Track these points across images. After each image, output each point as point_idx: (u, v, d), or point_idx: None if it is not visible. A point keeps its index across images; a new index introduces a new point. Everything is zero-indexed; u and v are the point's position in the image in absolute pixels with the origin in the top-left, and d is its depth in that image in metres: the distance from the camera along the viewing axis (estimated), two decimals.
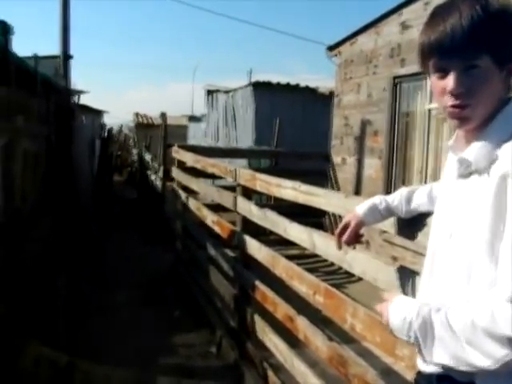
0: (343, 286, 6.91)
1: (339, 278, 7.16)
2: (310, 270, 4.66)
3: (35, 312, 5.84)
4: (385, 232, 2.38)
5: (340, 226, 2.07)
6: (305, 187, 3.34)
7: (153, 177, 15.75)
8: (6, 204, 5.85)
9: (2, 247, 5.53)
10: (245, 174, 4.68)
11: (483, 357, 1.22)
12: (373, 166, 7.69)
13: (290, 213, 4.10)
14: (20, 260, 6.13)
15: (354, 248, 2.21)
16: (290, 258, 4.62)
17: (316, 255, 3.21)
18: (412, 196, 1.97)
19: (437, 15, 1.43)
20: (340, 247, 2.11)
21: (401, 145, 7.10)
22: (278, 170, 9.82)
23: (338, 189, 8.54)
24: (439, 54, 1.41)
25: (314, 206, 3.16)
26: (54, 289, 6.79)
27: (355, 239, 2.07)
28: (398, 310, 1.46)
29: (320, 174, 9.15)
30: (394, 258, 6.24)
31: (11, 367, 4.56)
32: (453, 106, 1.42)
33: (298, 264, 3.66)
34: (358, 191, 7.91)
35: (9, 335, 5.00)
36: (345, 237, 2.05)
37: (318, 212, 4.59)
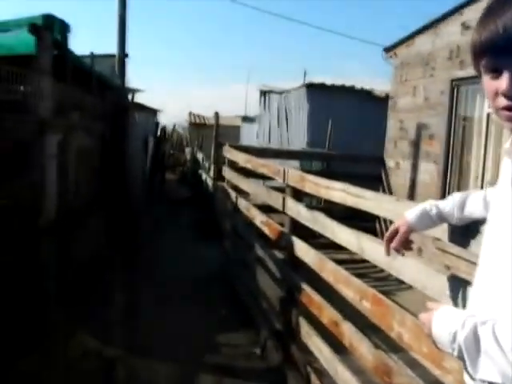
0: (393, 293, 6.76)
1: (390, 284, 7.01)
2: (360, 276, 4.59)
3: (85, 305, 5.96)
4: (438, 239, 2.29)
5: (389, 231, 2.00)
6: (354, 189, 3.26)
7: (204, 176, 15.90)
8: (59, 200, 5.98)
9: (53, 244, 5.66)
10: (294, 175, 4.64)
11: None
12: (428, 171, 7.50)
13: (341, 216, 4.04)
14: (72, 255, 6.27)
15: (403, 255, 2.14)
16: (339, 262, 4.56)
17: (367, 261, 3.14)
18: (465, 202, 1.88)
19: (490, 12, 1.35)
20: (388, 253, 2.04)
21: (458, 150, 6.89)
22: (330, 172, 9.71)
23: (391, 193, 8.38)
24: (491, 53, 1.34)
25: (363, 210, 3.09)
26: (104, 284, 6.91)
27: (404, 246, 2.00)
28: (443, 321, 1.39)
29: (373, 178, 9.00)
30: (447, 267, 6.06)
31: (60, 358, 4.66)
32: (506, 108, 1.34)
33: (348, 269, 3.60)
34: (411, 196, 7.73)
35: (60, 328, 5.12)
36: (394, 243, 1.98)
37: (371, 216, 4.52)
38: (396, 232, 1.97)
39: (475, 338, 1.26)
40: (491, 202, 1.64)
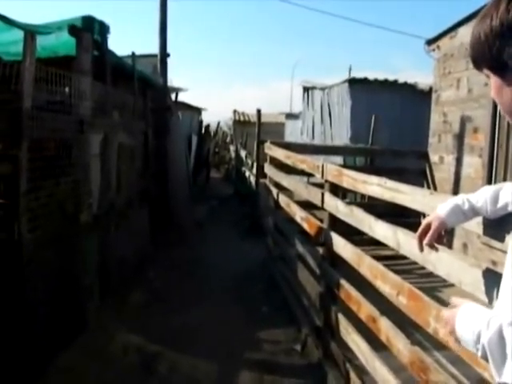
0: (438, 289, 6.63)
1: (435, 281, 6.87)
2: (404, 272, 4.53)
3: (126, 302, 6.06)
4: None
5: (421, 226, 1.97)
6: (391, 184, 3.23)
7: (247, 173, 15.96)
8: (101, 196, 6.09)
9: (95, 238, 5.77)
10: (332, 170, 4.61)
11: None
12: (472, 165, 7.32)
13: (386, 213, 4.00)
14: (113, 250, 6.38)
15: (437, 250, 2.09)
16: (383, 258, 4.52)
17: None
18: (498, 195, 1.81)
19: (480, 13, 1.39)
20: (421, 249, 2.00)
21: (503, 142, 6.69)
22: (373, 168, 9.60)
23: (435, 188, 8.22)
24: (474, 63, 1.43)
25: (400, 204, 3.05)
26: (144, 280, 7.02)
27: (437, 241, 1.96)
28: (466, 319, 1.34)
29: (417, 173, 8.85)
30: (494, 263, 5.92)
31: (100, 353, 4.75)
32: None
33: (392, 265, 3.55)
34: (455, 191, 7.56)
35: (101, 323, 5.22)
36: (426, 238, 1.94)
37: (414, 213, 4.47)
38: (428, 227, 1.93)
39: (500, 340, 1.19)
40: None
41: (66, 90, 5.03)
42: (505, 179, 6.62)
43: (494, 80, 1.37)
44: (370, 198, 4.95)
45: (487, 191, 1.84)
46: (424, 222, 1.96)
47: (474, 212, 1.88)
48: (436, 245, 1.99)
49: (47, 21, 5.80)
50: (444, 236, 1.96)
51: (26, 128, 4.15)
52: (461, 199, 1.89)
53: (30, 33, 4.30)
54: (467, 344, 1.32)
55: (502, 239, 1.92)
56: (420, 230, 1.96)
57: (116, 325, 5.42)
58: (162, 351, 5.03)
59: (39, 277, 4.38)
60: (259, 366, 4.93)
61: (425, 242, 1.94)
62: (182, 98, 18.15)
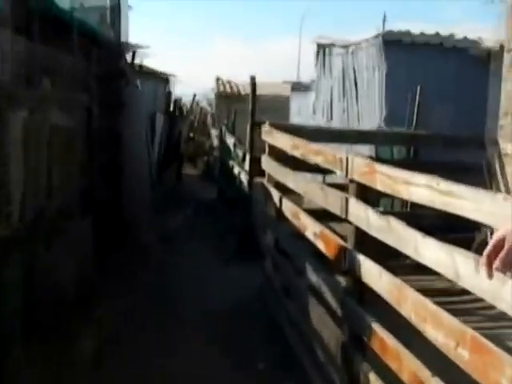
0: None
1: (508, 325, 6.85)
2: (464, 313, 4.52)
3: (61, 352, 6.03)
4: None
5: (491, 242, 1.93)
6: (445, 185, 3.22)
7: (237, 169, 15.91)
8: (25, 202, 6.04)
9: (18, 260, 5.72)
10: (360, 165, 4.61)
11: None
12: None
13: (435, 226, 4.00)
14: (42, 279, 6.33)
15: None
16: (434, 293, 4.50)
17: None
18: None
19: None
20: (490, 275, 1.97)
21: None
22: (419, 163, 9.61)
23: (508, 189, 8.23)
24: None
25: (458, 214, 3.05)
26: (89, 321, 6.99)
27: None
28: None
29: (481, 169, 8.84)
30: None
31: None
32: None
33: (446, 303, 3.55)
34: None
35: None
36: (498, 260, 1.91)
37: (471, 226, 4.44)
38: (502, 244, 1.90)
39: None
40: None
41: None
42: None
43: None
44: (415, 205, 4.95)
45: None
46: (495, 236, 1.93)
47: None
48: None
49: None
50: None
51: None
52: None
53: None
54: None
55: None
56: (488, 247, 1.92)
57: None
58: None
59: None
60: None
61: (495, 265, 1.91)
62: (143, 60, 18.10)
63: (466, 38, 13.35)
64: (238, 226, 12.19)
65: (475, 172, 8.61)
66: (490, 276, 1.96)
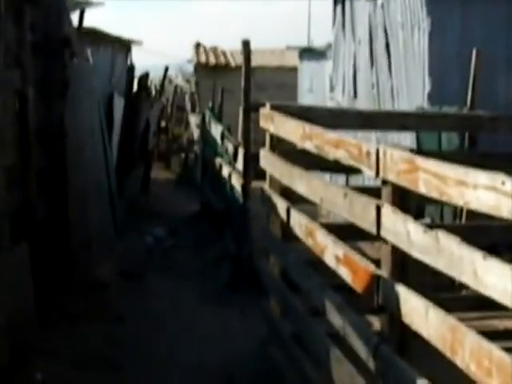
0: None
1: None
2: None
3: None
4: None
5: None
6: None
7: (225, 170, 15.91)
8: None
9: None
10: (396, 161, 4.61)
11: None
12: None
13: (500, 243, 4.02)
14: None
15: None
16: (500, 336, 4.54)
17: None
18: None
19: None
20: None
21: None
22: (478, 155, 9.65)
23: None
24: None
25: None
26: None
27: None
28: None
29: None
30: None
31: None
32: None
33: None
34: None
35: None
36: None
37: None
38: None
39: None
40: None
41: None
42: None
43: None
44: (473, 214, 4.96)
45: None
46: None
47: None
48: None
49: None
50: None
51: None
52: None
53: None
54: None
55: None
56: None
57: None
58: None
59: None
60: None
61: None
62: (95, 21, 18.07)
63: None
64: (231, 251, 12.22)
65: None
66: None
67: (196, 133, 22.98)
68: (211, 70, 30.00)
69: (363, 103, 16.06)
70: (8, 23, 8.24)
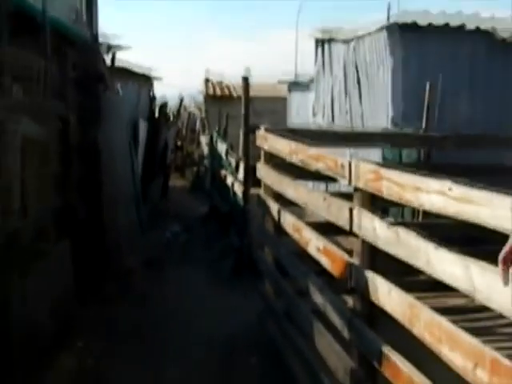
0: None
1: None
2: (483, 332, 4.55)
3: None
4: None
5: (506, 247, 1.98)
6: (459, 190, 3.24)
7: (229, 179, 15.93)
8: None
9: None
10: (365, 171, 4.63)
11: None
12: None
13: (453, 238, 4.03)
14: (15, 312, 6.34)
15: None
16: (449, 311, 4.53)
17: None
18: None
19: None
20: (506, 281, 2.01)
21: None
22: (431, 166, 9.64)
23: None
24: None
25: (475, 222, 3.08)
26: (68, 357, 7.00)
27: None
28: None
29: (505, 171, 8.86)
30: None
31: None
32: None
33: (463, 321, 3.57)
34: None
35: None
36: None
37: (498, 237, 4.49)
38: None
39: None
40: None
41: None
42: None
43: None
44: (427, 214, 4.97)
45: None
46: (510, 240, 1.96)
47: None
48: None
49: None
50: None
51: None
52: None
53: None
54: None
55: None
56: (503, 251, 1.95)
57: None
58: None
59: None
60: None
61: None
62: (124, 61, 18.07)
63: (478, 27, 13.23)
64: (234, 244, 12.21)
65: (501, 174, 8.64)
66: (506, 282, 2.01)
67: (205, 150, 22.94)
68: (217, 100, 29.93)
69: (339, 125, 16.06)
70: (54, 63, 8.24)
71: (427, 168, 8.50)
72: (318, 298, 5.86)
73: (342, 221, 5.03)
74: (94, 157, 9.85)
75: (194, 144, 28.67)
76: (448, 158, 10.12)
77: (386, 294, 4.25)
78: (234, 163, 16.18)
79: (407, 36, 13.16)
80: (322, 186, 10.08)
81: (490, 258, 2.88)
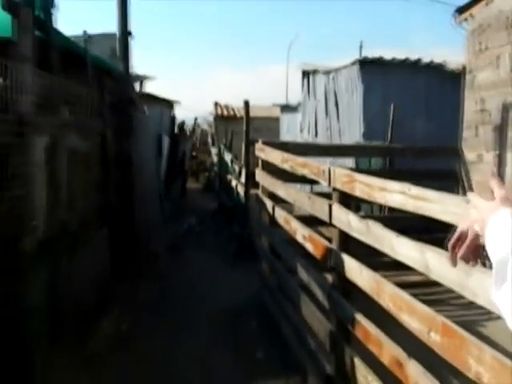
0: (480, 323, 6.64)
1: (476, 313, 6.86)
2: (436, 302, 4.53)
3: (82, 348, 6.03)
4: None
5: (455, 235, 1.94)
6: (416, 191, 3.25)
7: (234, 182, 15.96)
8: (49, 217, 6.06)
9: (43, 270, 5.74)
10: (341, 176, 4.64)
11: None
12: None
13: (411, 228, 4.03)
14: (64, 286, 6.34)
15: (474, 265, 2.08)
16: (409, 286, 4.52)
17: None
18: None
19: None
20: (454, 263, 1.98)
21: None
22: (394, 171, 9.67)
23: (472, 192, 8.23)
24: None
25: (428, 216, 3.07)
26: (106, 322, 6.99)
27: (475, 254, 1.93)
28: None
29: (450, 176, 8.87)
30: None
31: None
32: None
33: (420, 294, 3.56)
34: None
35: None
36: (461, 250, 1.91)
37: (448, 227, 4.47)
38: (465, 237, 1.91)
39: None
40: None
41: (0, 81, 5.02)
42: None
43: None
44: (391, 209, 4.97)
45: None
46: (460, 227, 1.92)
47: None
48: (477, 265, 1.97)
49: None
50: (483, 248, 1.94)
51: None
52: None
53: None
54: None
55: None
56: (453, 239, 1.92)
57: (71, 379, 5.40)
58: None
59: None
60: None
61: (459, 254, 1.90)
62: (150, 88, 18.18)
63: (431, 62, 13.45)
64: (237, 233, 12.20)
65: (447, 178, 8.66)
66: (455, 264, 1.98)
67: (215, 159, 22.96)
68: (224, 120, 29.91)
69: (322, 139, 16.07)
70: (95, 90, 8.24)
71: (391, 173, 8.56)
72: (304, 276, 5.85)
73: (323, 215, 5.01)
74: (126, 164, 9.84)
75: (206, 154, 28.66)
76: (407, 165, 10.15)
77: (358, 272, 4.24)
78: (237, 169, 16.25)
79: (375, 68, 13.23)
80: (307, 187, 10.06)
81: (441, 244, 2.87)
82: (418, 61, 13.39)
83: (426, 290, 5.72)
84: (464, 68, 9.18)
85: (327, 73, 16.09)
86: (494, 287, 1.42)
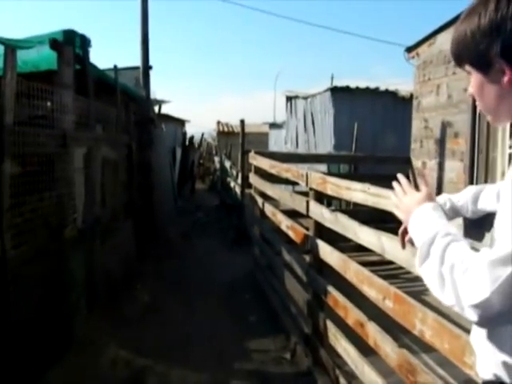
0: (423, 293, 6.66)
1: (420, 285, 6.90)
2: (390, 277, 4.55)
3: (112, 315, 6.03)
4: None
5: (404, 223, 1.98)
6: (374, 189, 3.27)
7: (232, 183, 15.98)
8: (86, 211, 6.07)
9: (82, 252, 5.76)
10: (316, 178, 4.64)
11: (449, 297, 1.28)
12: (454, 169, 7.41)
13: (370, 219, 4.04)
14: (98, 265, 6.35)
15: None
16: (368, 264, 4.53)
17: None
18: (479, 195, 1.85)
19: (466, 11, 1.43)
20: (403, 246, 2.01)
21: (483, 146, 6.78)
22: (357, 175, 9.68)
23: None
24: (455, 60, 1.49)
25: (384, 209, 3.08)
26: (132, 293, 6.99)
27: None
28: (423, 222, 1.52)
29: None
30: None
31: (88, 368, 4.72)
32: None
33: (377, 270, 3.58)
34: (439, 195, 7.62)
35: (89, 340, 5.19)
36: (407, 237, 1.95)
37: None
38: None
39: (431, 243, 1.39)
40: (501, 194, 1.62)
41: (48, 104, 5.02)
42: (486, 182, 6.70)
43: (475, 77, 1.41)
44: (355, 204, 4.98)
45: (469, 191, 1.88)
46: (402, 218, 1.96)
47: (455, 211, 1.91)
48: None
49: (28, 33, 5.81)
50: None
51: (8, 144, 4.13)
52: (442, 199, 1.92)
53: (11, 47, 4.30)
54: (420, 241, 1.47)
55: (480, 239, 1.96)
56: (402, 227, 1.96)
57: (104, 339, 5.39)
58: (151, 364, 5.01)
59: (24, 293, 4.35)
60: (249, 376, 4.92)
61: (406, 238, 1.94)
62: (166, 110, 18.14)
63: (387, 89, 13.52)
64: (235, 223, 12.19)
65: (397, 179, 8.69)
66: (404, 247, 2.00)
67: (217, 165, 22.93)
68: (225, 135, 29.96)
69: (301, 150, 16.08)
70: (122, 111, 8.24)
71: (355, 176, 8.57)
72: (287, 256, 5.84)
73: (302, 209, 5.00)
74: (147, 170, 9.84)
75: (211, 162, 28.61)
76: (368, 170, 10.17)
77: (329, 254, 4.25)
78: (235, 173, 16.25)
79: (343, 94, 13.28)
80: (290, 187, 10.08)
81: (394, 231, 2.89)
82: (377, 88, 13.46)
83: (382, 267, 5.74)
84: (412, 94, 9.22)
85: (306, 98, 16.09)
86: (418, 264, 1.45)
